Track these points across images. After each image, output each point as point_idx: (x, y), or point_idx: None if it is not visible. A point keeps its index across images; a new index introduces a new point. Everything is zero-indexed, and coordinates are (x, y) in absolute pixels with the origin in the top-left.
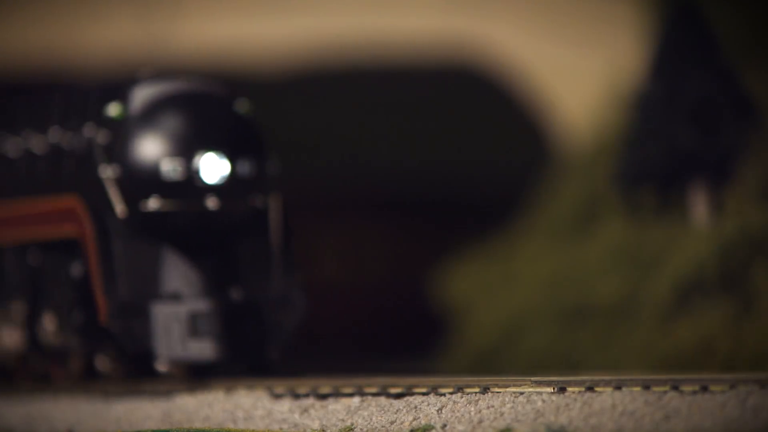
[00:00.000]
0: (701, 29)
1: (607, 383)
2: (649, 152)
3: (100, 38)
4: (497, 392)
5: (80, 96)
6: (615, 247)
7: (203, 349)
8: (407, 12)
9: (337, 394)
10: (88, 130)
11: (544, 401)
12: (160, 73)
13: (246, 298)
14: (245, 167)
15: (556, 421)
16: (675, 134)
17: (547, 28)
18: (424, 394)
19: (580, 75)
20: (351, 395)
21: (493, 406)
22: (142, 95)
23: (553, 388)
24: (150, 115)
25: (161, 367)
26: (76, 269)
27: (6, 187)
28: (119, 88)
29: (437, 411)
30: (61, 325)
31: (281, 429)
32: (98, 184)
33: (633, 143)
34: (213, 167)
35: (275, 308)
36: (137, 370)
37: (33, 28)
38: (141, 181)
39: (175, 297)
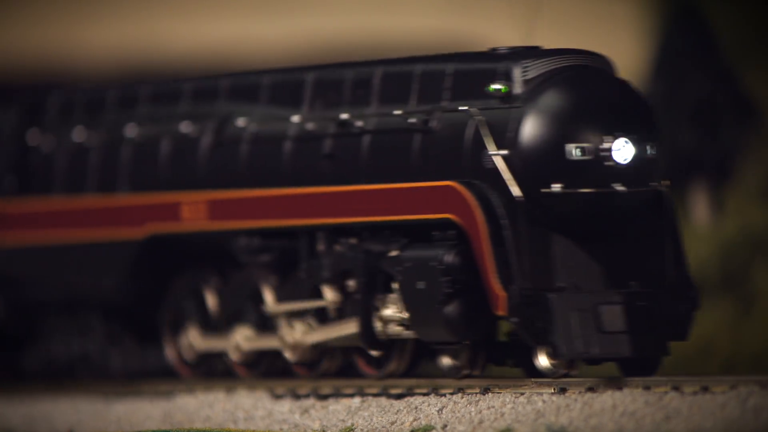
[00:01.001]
0: (701, 29)
1: (607, 384)
2: None
3: (100, 38)
4: (498, 393)
5: (426, 72)
6: None
7: (612, 344)
8: (407, 12)
9: (337, 395)
10: (461, 109)
11: (544, 402)
12: (530, 46)
13: (645, 288)
14: (648, 148)
15: (557, 421)
16: (675, 134)
17: (548, 28)
18: (424, 394)
19: None
20: (351, 396)
21: (493, 407)
22: (527, 71)
23: (554, 389)
24: (547, 93)
25: (545, 362)
26: (449, 257)
27: (310, 167)
28: (483, 64)
29: (438, 411)
30: (414, 317)
31: (282, 429)
32: (483, 167)
33: None
34: (620, 148)
35: (672, 299)
36: (482, 365)
37: (34, 28)
38: (542, 164)
39: (575, 288)
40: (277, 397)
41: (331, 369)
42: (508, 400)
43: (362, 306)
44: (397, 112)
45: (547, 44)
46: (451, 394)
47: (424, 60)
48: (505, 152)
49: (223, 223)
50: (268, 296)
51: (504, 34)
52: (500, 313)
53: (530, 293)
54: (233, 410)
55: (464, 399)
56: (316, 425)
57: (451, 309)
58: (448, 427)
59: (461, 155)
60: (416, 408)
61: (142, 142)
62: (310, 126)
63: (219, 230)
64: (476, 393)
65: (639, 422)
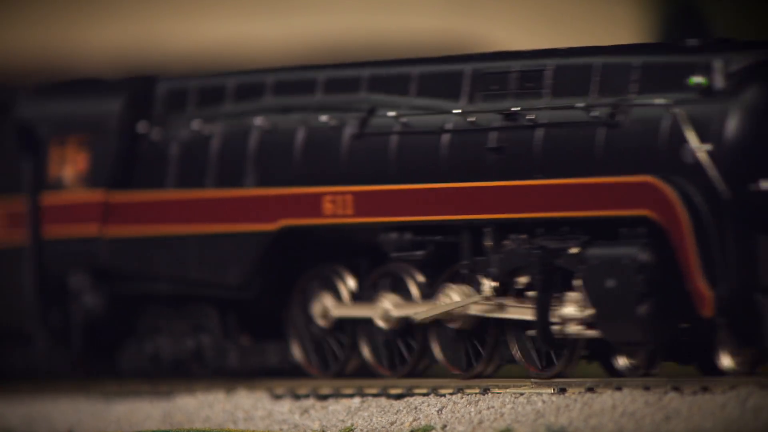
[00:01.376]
0: (701, 29)
1: (607, 384)
2: None
3: (100, 38)
4: (497, 393)
5: (608, 64)
6: None
7: None
8: (407, 12)
9: (337, 395)
10: (658, 102)
11: (544, 402)
12: (722, 39)
13: None
14: None
15: (557, 422)
16: None
17: (547, 28)
18: (424, 395)
19: None
20: (351, 396)
21: (493, 407)
22: (730, 64)
23: (554, 389)
24: (753, 87)
25: (728, 362)
26: (644, 255)
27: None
28: (676, 57)
29: (437, 412)
30: (601, 316)
31: (281, 429)
32: (681, 162)
33: None
34: None
35: None
36: (650, 364)
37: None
38: (750, 160)
39: None
40: (277, 397)
41: (485, 371)
42: (507, 400)
43: (539, 304)
44: (579, 104)
45: (547, 44)
46: (451, 394)
47: (603, 52)
48: (709, 147)
49: (372, 217)
50: (415, 292)
51: (504, 35)
52: (707, 313)
53: (738, 294)
54: (233, 410)
55: (464, 399)
56: (316, 425)
57: (644, 309)
58: (448, 428)
59: (655, 150)
60: (416, 408)
61: (272, 134)
62: (472, 118)
63: (367, 224)
64: (476, 393)
65: (639, 422)
